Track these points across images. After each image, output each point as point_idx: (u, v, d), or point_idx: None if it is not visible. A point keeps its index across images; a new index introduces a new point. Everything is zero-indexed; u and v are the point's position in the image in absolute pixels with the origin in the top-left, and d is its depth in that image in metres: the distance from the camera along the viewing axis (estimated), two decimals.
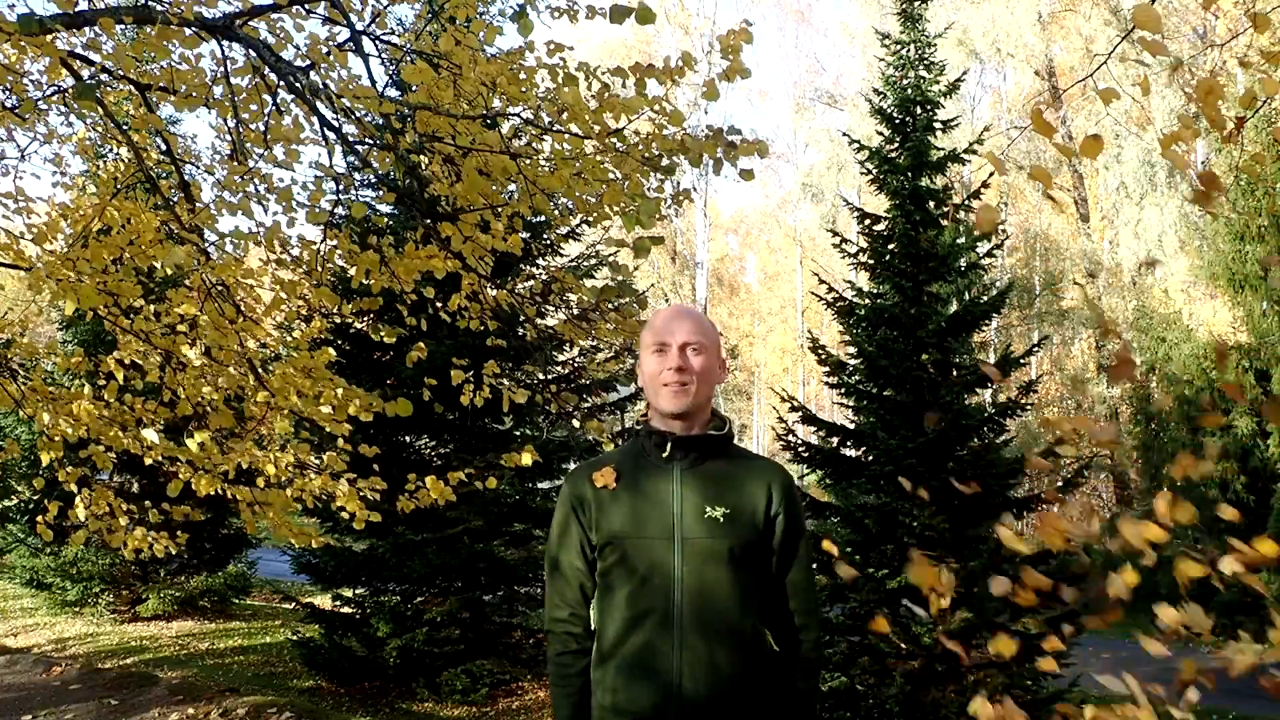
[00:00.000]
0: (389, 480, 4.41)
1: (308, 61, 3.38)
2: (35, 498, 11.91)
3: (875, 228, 7.40)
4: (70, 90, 3.69)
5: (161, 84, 3.76)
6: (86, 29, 3.35)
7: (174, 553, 4.30)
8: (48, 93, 3.86)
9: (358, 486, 4.30)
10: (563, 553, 2.17)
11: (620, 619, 2.05)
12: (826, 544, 1.99)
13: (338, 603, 8.89)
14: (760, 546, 2.09)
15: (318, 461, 4.34)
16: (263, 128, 3.53)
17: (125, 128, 4.17)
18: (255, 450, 4.17)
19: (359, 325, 7.55)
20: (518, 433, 9.29)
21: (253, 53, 3.27)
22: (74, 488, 4.05)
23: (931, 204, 7.25)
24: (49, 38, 3.22)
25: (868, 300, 7.42)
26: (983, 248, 7.72)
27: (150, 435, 3.89)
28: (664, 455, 2.10)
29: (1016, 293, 20.15)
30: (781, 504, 2.12)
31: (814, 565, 2.14)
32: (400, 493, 4.39)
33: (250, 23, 3.43)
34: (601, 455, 2.27)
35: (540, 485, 9.13)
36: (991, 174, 5.99)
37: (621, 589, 2.05)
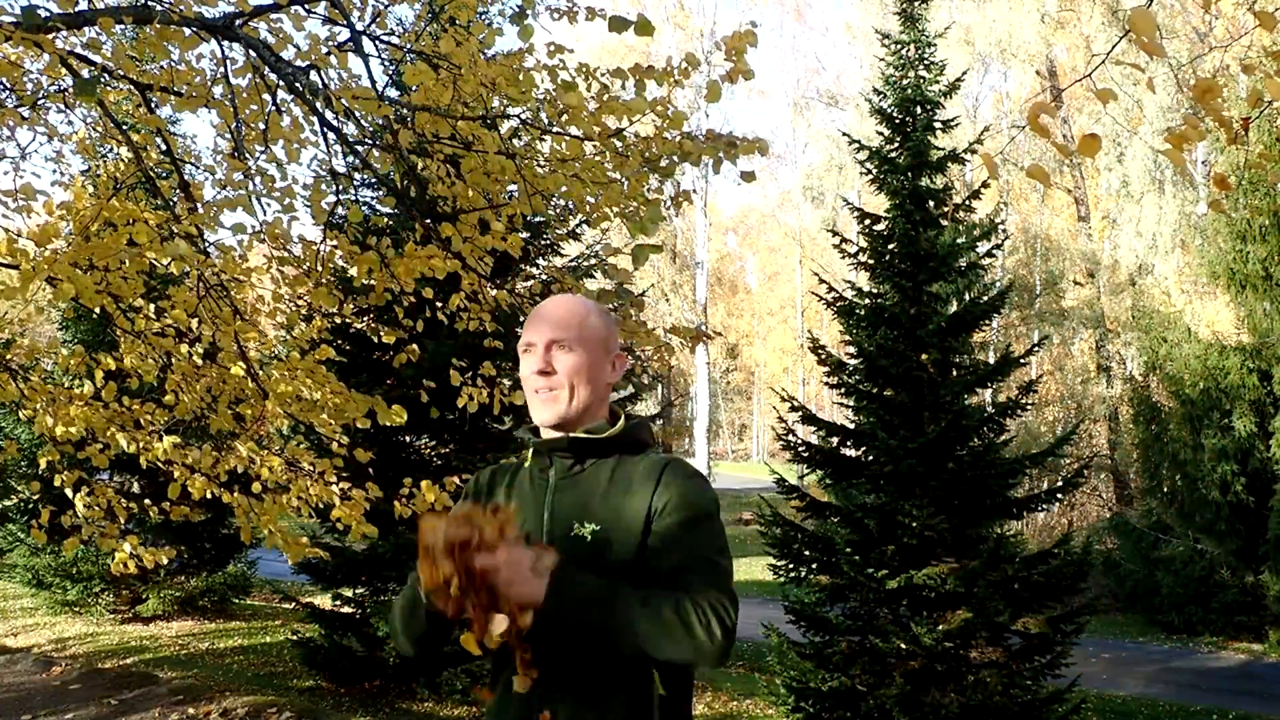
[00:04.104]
0: (387, 482, 4.41)
1: (308, 61, 3.38)
2: (35, 498, 11.92)
3: (875, 228, 7.40)
4: (70, 88, 3.69)
5: (161, 84, 3.77)
6: (86, 29, 3.35)
7: (164, 562, 4.27)
8: (48, 91, 3.86)
9: (351, 497, 4.29)
10: None
11: (493, 657, 1.72)
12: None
13: (338, 602, 8.89)
14: (646, 565, 1.69)
15: (312, 466, 4.33)
16: (263, 128, 3.53)
17: (125, 128, 4.17)
18: (253, 451, 4.16)
19: (359, 325, 7.55)
20: (518, 433, 9.29)
21: (253, 53, 3.27)
22: (70, 491, 4.04)
23: (931, 204, 7.25)
24: (50, 36, 3.22)
25: (868, 300, 7.42)
26: (983, 247, 7.72)
27: (121, 440, 3.88)
28: (536, 465, 1.82)
29: (1016, 293, 20.16)
30: (668, 490, 1.71)
31: (719, 552, 1.73)
32: (398, 496, 4.38)
33: (250, 23, 3.43)
34: (505, 462, 1.99)
35: None
36: (989, 176, 6.00)
37: None
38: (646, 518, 1.70)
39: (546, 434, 1.82)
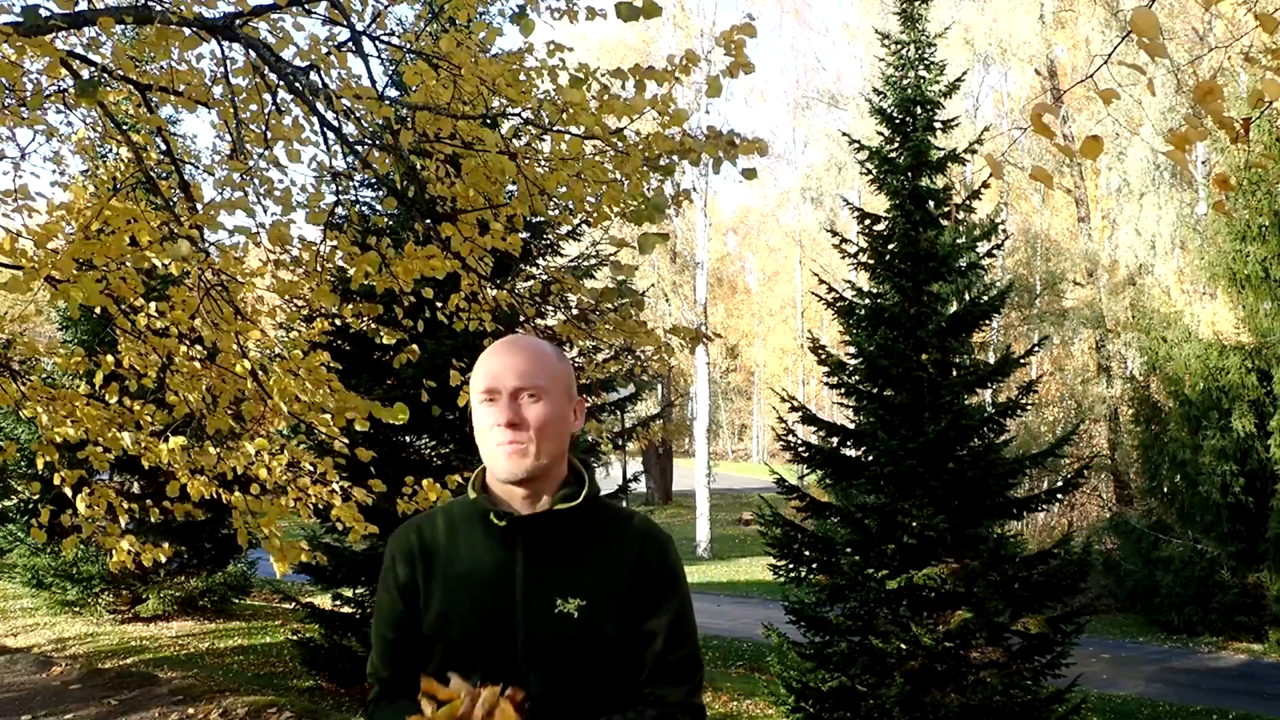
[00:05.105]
0: (388, 481, 4.41)
1: (308, 61, 3.38)
2: (34, 498, 11.93)
3: (875, 228, 7.40)
4: (70, 89, 3.69)
5: (161, 84, 3.77)
6: (86, 29, 3.35)
7: (163, 560, 4.28)
8: (47, 91, 3.86)
9: (354, 498, 4.29)
10: (382, 630, 1.72)
11: None
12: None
13: (338, 602, 8.90)
14: (636, 639, 1.66)
15: (312, 467, 4.33)
16: (263, 128, 3.53)
17: (125, 128, 4.17)
18: (251, 452, 4.16)
19: (359, 326, 7.57)
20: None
21: (253, 53, 3.27)
22: (69, 491, 4.04)
23: (931, 204, 7.25)
24: (50, 37, 3.22)
25: (868, 300, 7.42)
26: (983, 247, 7.72)
27: (127, 439, 3.88)
28: (504, 539, 1.65)
29: (1016, 293, 20.17)
30: (652, 570, 1.67)
31: (694, 636, 1.73)
32: (399, 495, 4.38)
33: (250, 23, 3.43)
34: (432, 510, 1.80)
35: None
36: (990, 175, 5.99)
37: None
38: (629, 592, 1.65)
39: (502, 489, 1.67)
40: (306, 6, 3.52)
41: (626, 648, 1.65)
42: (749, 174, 3.35)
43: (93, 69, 3.64)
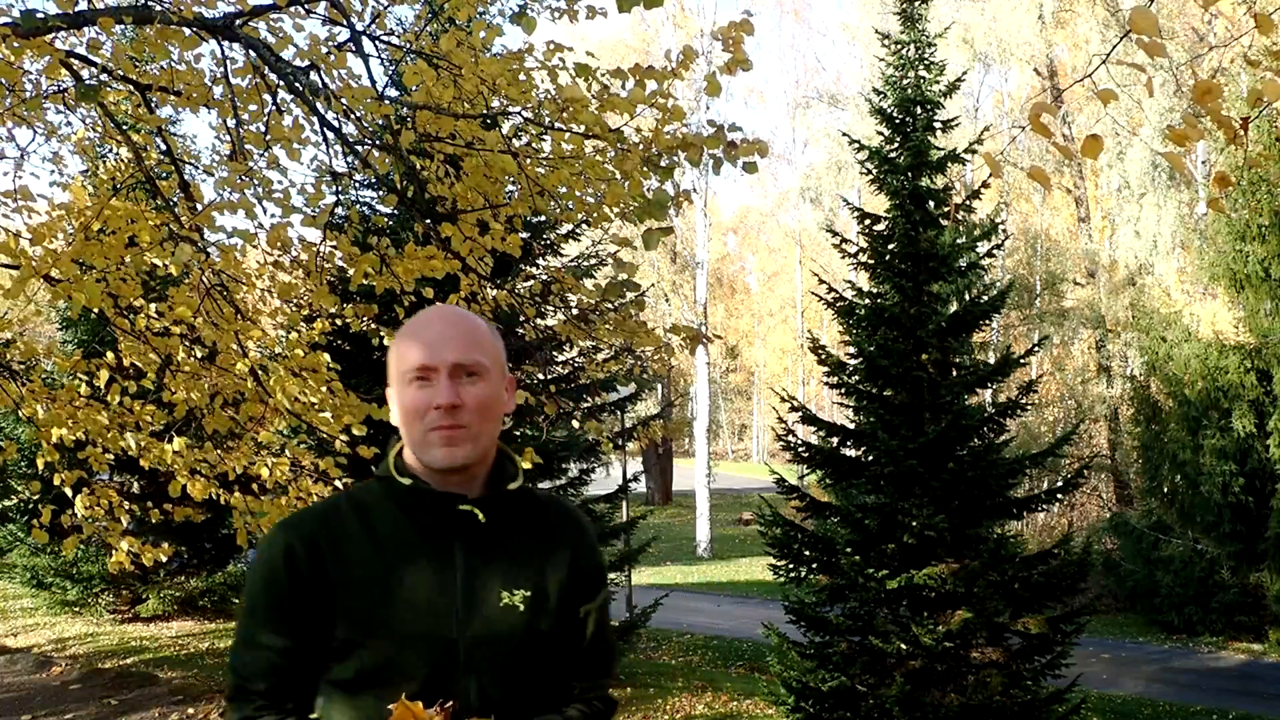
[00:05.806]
0: None
1: (308, 61, 3.38)
2: (35, 498, 11.93)
3: (875, 228, 7.40)
4: (70, 90, 3.70)
5: (161, 84, 3.76)
6: (86, 29, 3.35)
7: (163, 560, 4.28)
8: (47, 91, 3.86)
9: None
10: (263, 635, 1.47)
11: None
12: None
13: None
14: (569, 630, 1.56)
15: (314, 466, 4.33)
16: (263, 128, 3.53)
17: (125, 128, 4.17)
18: (270, 439, 4.17)
19: (358, 326, 7.56)
20: (517, 433, 9.30)
21: (253, 53, 3.27)
22: (69, 491, 4.04)
23: (931, 204, 7.25)
24: (50, 37, 3.22)
25: (868, 300, 7.43)
26: (983, 247, 7.72)
27: (130, 441, 3.88)
28: (439, 528, 1.49)
29: (1016, 293, 20.16)
30: (584, 559, 1.59)
31: (611, 627, 1.70)
32: None
33: (250, 23, 3.43)
34: (332, 498, 1.61)
35: (541, 485, 9.15)
36: (990, 175, 5.99)
37: (374, 713, 1.39)
38: (569, 580, 1.56)
39: (429, 476, 1.50)
40: (306, 6, 3.52)
41: (560, 638, 1.54)
42: (750, 168, 3.36)
43: (93, 69, 3.64)
